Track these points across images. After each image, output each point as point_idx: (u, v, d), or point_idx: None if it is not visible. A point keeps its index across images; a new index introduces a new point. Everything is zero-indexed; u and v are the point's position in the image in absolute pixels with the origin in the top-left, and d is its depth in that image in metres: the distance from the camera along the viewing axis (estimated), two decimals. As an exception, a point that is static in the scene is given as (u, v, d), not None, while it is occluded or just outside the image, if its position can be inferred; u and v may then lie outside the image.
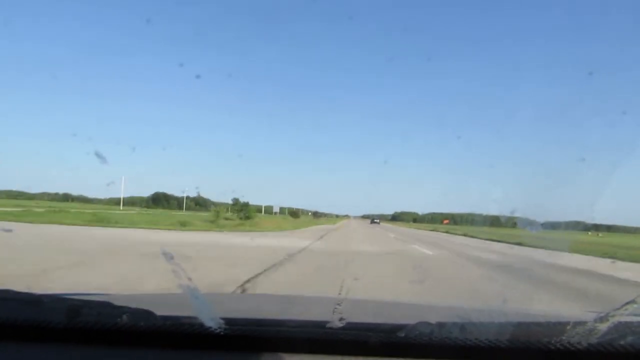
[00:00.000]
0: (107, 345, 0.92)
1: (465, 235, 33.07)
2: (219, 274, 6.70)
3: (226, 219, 41.22)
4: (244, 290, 5.47)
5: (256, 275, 6.65)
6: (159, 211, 69.29)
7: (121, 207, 73.89)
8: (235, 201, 46.71)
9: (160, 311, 0.96)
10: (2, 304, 0.97)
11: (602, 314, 0.87)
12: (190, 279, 0.93)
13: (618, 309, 0.87)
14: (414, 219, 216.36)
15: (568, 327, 0.86)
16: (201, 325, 0.89)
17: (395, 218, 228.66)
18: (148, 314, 0.94)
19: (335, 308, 1.01)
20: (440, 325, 0.90)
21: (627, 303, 0.88)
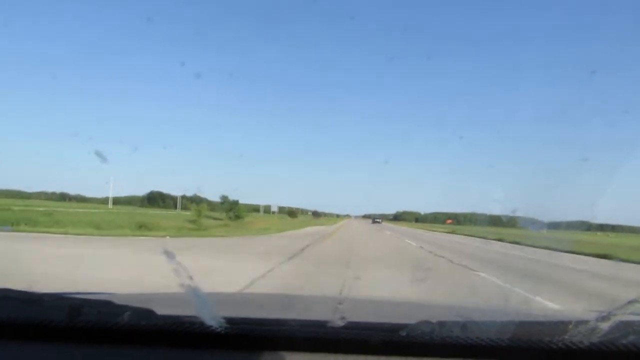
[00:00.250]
0: (108, 344, 0.93)
1: (485, 238, 28.76)
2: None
3: (215, 218, 39.20)
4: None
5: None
6: (150, 211, 66.41)
7: (110, 206, 72.75)
8: (224, 199, 43.32)
9: (161, 310, 0.97)
10: (3, 303, 0.98)
11: (604, 313, 0.88)
12: (191, 278, 0.93)
13: (620, 308, 0.88)
14: (416, 218, 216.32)
15: (570, 326, 0.87)
16: (202, 324, 0.89)
17: (397, 218, 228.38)
18: (149, 312, 0.95)
19: (337, 307, 1.02)
20: (442, 324, 0.90)
21: (629, 302, 0.89)
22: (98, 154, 1.21)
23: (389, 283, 7.23)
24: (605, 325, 0.86)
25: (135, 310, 0.94)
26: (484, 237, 29.32)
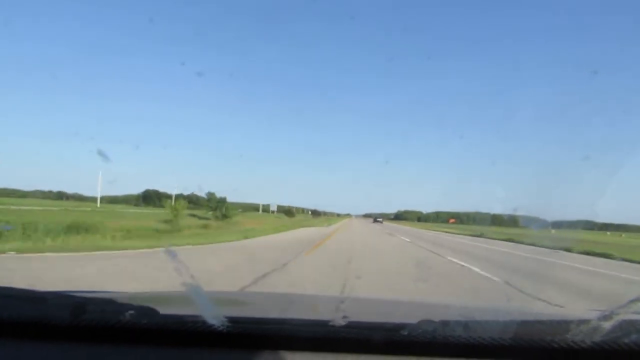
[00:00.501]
0: (111, 342, 0.94)
1: (498, 239, 26.09)
2: None
3: (202, 217, 36.73)
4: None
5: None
6: (140, 210, 64.08)
7: (98, 205, 71.37)
8: (210, 196, 39.17)
9: (163, 309, 0.98)
10: (6, 301, 1.00)
11: (606, 312, 0.89)
12: (193, 277, 0.95)
13: (622, 307, 0.89)
14: (418, 217, 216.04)
15: (572, 325, 0.88)
16: (204, 323, 0.91)
17: (399, 217, 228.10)
18: (151, 311, 0.96)
19: (338, 306, 1.03)
20: (444, 323, 0.91)
21: (631, 301, 0.90)
22: (100, 153, 1.22)
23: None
24: (607, 324, 0.86)
25: (138, 309, 0.95)
26: (495, 239, 26.47)
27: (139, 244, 11.49)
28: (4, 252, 8.84)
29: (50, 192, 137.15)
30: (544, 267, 12.14)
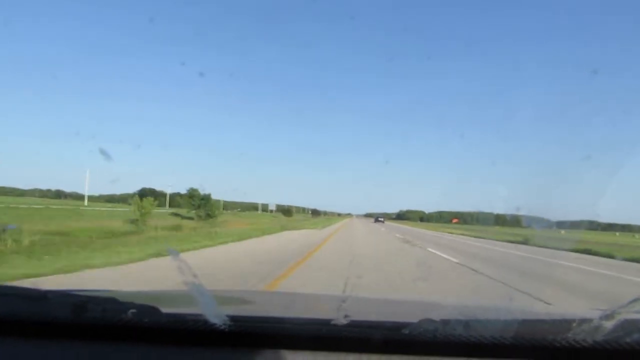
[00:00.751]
0: (112, 341, 0.96)
1: (514, 242, 23.00)
2: None
3: (184, 217, 32.34)
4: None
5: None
6: (125, 209, 58.77)
7: (85, 203, 69.27)
8: (192, 193, 33.86)
9: (165, 308, 0.99)
10: (8, 299, 1.01)
11: (607, 312, 0.89)
12: (195, 276, 0.96)
13: (624, 306, 0.89)
14: (421, 217, 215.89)
15: (573, 325, 0.89)
16: (206, 322, 0.92)
17: (401, 217, 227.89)
18: (153, 310, 0.97)
19: (340, 305, 1.04)
20: (445, 322, 0.92)
21: (633, 300, 0.90)
22: (102, 152, 1.23)
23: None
24: (609, 324, 0.87)
25: (140, 307, 0.96)
26: (511, 242, 23.30)
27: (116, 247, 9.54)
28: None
29: (48, 190, 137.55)
30: (581, 276, 9.68)
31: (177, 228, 20.15)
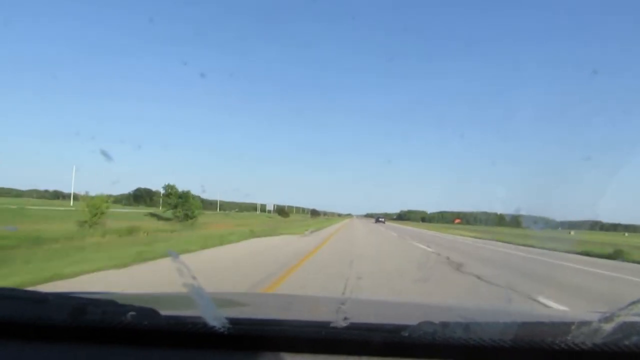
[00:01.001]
0: (112, 343, 0.96)
1: (533, 247, 19.29)
2: None
3: (160, 217, 28.44)
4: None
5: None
6: (120, 209, 53.98)
7: (71, 203, 65.18)
8: (169, 190, 29.48)
9: (164, 310, 1.00)
10: (8, 302, 1.02)
11: (607, 314, 0.90)
12: (194, 278, 0.96)
13: (623, 309, 0.90)
14: (422, 218, 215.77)
15: (573, 327, 0.89)
16: (205, 324, 0.92)
17: (402, 217, 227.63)
18: (152, 312, 0.98)
19: (339, 308, 1.05)
20: (444, 325, 0.93)
21: (632, 303, 0.91)
22: (103, 153, 1.23)
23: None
24: (608, 327, 0.87)
25: (139, 310, 0.97)
26: (530, 246, 19.59)
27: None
28: None
29: (46, 191, 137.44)
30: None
31: (132, 232, 17.06)
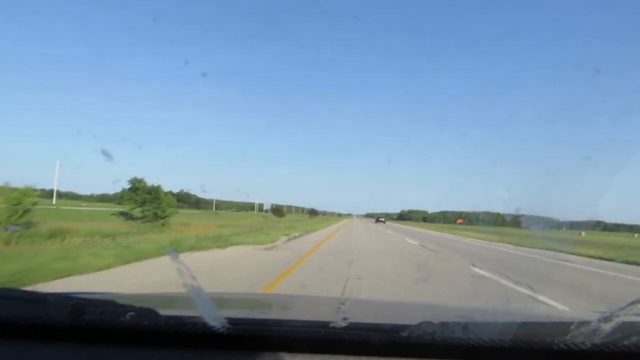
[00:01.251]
0: (111, 344, 0.97)
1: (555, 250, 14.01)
2: None
3: (131, 217, 25.09)
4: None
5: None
6: (108, 208, 48.85)
7: (54, 202, 61.20)
8: (136, 185, 24.99)
9: (164, 310, 1.01)
10: (7, 302, 1.03)
11: (606, 314, 0.91)
12: (194, 278, 0.97)
13: (622, 309, 0.91)
14: (424, 218, 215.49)
15: (572, 327, 0.90)
16: (205, 324, 0.93)
17: (403, 217, 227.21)
18: (152, 312, 0.99)
19: (339, 308, 1.06)
20: (443, 325, 0.94)
21: (632, 303, 0.92)
22: (104, 153, 1.23)
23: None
24: (607, 327, 0.88)
25: (138, 310, 0.98)
26: (553, 250, 14.46)
27: None
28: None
29: (43, 190, 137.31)
30: None
31: (53, 235, 13.46)
